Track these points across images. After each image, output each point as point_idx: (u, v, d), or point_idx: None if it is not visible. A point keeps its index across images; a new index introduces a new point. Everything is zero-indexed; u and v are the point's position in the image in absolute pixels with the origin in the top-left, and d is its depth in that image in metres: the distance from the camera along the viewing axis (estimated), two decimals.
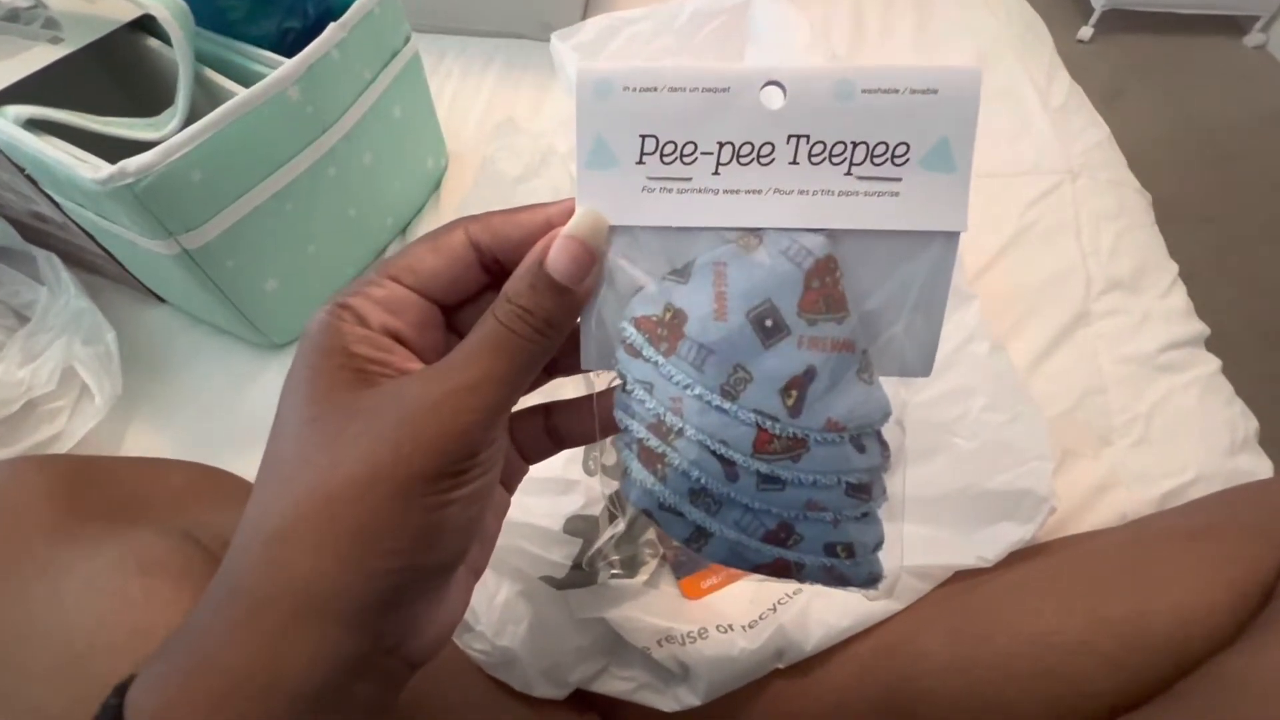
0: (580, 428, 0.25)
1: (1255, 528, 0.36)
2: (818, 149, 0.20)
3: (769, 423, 0.21)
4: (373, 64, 0.48)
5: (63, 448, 0.47)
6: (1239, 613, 0.33)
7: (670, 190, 0.21)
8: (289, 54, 0.43)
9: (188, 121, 0.39)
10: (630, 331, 0.21)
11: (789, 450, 0.21)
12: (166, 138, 0.38)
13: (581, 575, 0.39)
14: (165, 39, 0.44)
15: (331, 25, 0.44)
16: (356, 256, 0.56)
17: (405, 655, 0.20)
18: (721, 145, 0.20)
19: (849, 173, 0.20)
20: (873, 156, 0.20)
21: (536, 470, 0.26)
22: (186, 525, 0.33)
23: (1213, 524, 0.38)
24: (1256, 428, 0.49)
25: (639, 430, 0.22)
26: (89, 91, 0.45)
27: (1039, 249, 0.57)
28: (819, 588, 0.23)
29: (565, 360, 0.23)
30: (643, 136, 0.20)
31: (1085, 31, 1.74)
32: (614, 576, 0.40)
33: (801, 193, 0.20)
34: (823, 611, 0.39)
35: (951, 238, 0.21)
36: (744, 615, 0.39)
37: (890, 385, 0.22)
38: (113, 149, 0.39)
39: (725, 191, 0.21)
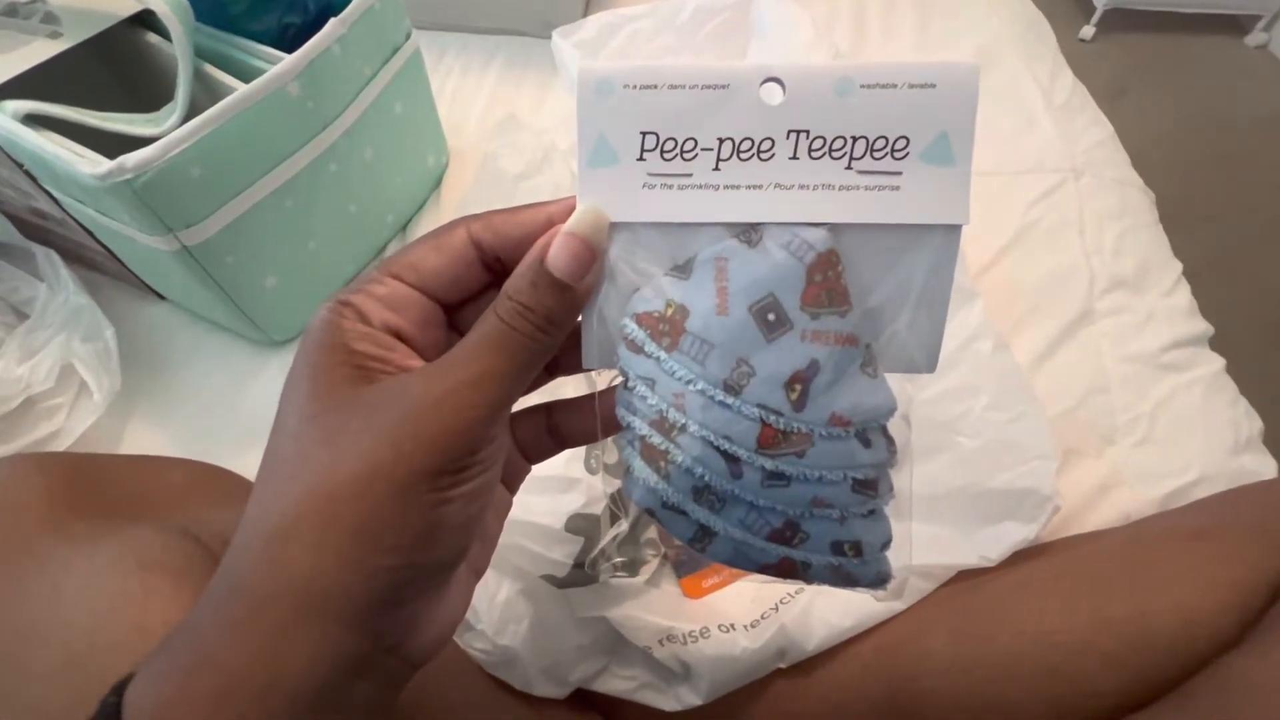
0: (582, 427, 0.25)
1: (1259, 528, 0.36)
2: (817, 144, 0.20)
3: (773, 417, 0.21)
4: (374, 60, 0.48)
5: (61, 445, 0.47)
6: (1244, 613, 0.33)
7: (671, 186, 0.21)
8: (289, 49, 0.43)
9: (187, 117, 0.39)
10: (632, 328, 0.21)
11: (793, 445, 0.21)
12: (166, 133, 0.38)
13: (583, 574, 0.39)
14: (165, 34, 0.44)
15: (332, 21, 0.44)
16: (357, 253, 0.55)
17: (405, 655, 0.20)
18: (722, 141, 0.20)
19: (849, 167, 0.20)
20: (872, 151, 0.20)
21: (538, 468, 0.26)
22: (186, 523, 0.32)
23: (1217, 524, 0.38)
24: (1260, 427, 0.49)
25: (641, 427, 0.22)
26: (88, 87, 0.45)
27: (1042, 247, 0.57)
28: (821, 587, 0.23)
29: (567, 359, 0.23)
30: (643, 133, 0.20)
31: (1087, 30, 1.74)
32: (615, 575, 0.40)
33: (802, 187, 0.20)
34: (825, 611, 0.39)
35: (953, 231, 0.21)
36: (746, 614, 0.39)
37: (896, 380, 0.22)
38: (112, 144, 0.38)
39: (726, 187, 0.21)
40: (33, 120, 0.39)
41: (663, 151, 0.20)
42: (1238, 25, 1.77)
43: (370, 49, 0.48)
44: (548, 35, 0.58)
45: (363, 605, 0.18)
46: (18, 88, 0.40)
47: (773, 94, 0.20)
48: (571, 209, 0.21)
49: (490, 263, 0.22)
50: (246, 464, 0.44)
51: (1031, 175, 0.61)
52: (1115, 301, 0.54)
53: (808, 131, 0.20)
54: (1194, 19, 1.74)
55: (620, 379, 0.22)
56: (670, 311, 0.21)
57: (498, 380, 0.19)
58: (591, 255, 0.20)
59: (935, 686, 0.36)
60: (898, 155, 0.20)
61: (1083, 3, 1.76)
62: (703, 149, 0.20)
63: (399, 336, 0.21)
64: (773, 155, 0.20)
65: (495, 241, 0.21)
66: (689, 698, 0.38)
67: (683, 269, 0.21)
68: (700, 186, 0.21)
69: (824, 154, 0.20)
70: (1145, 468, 0.47)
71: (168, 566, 0.29)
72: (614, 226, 0.21)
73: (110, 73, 0.49)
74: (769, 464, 0.21)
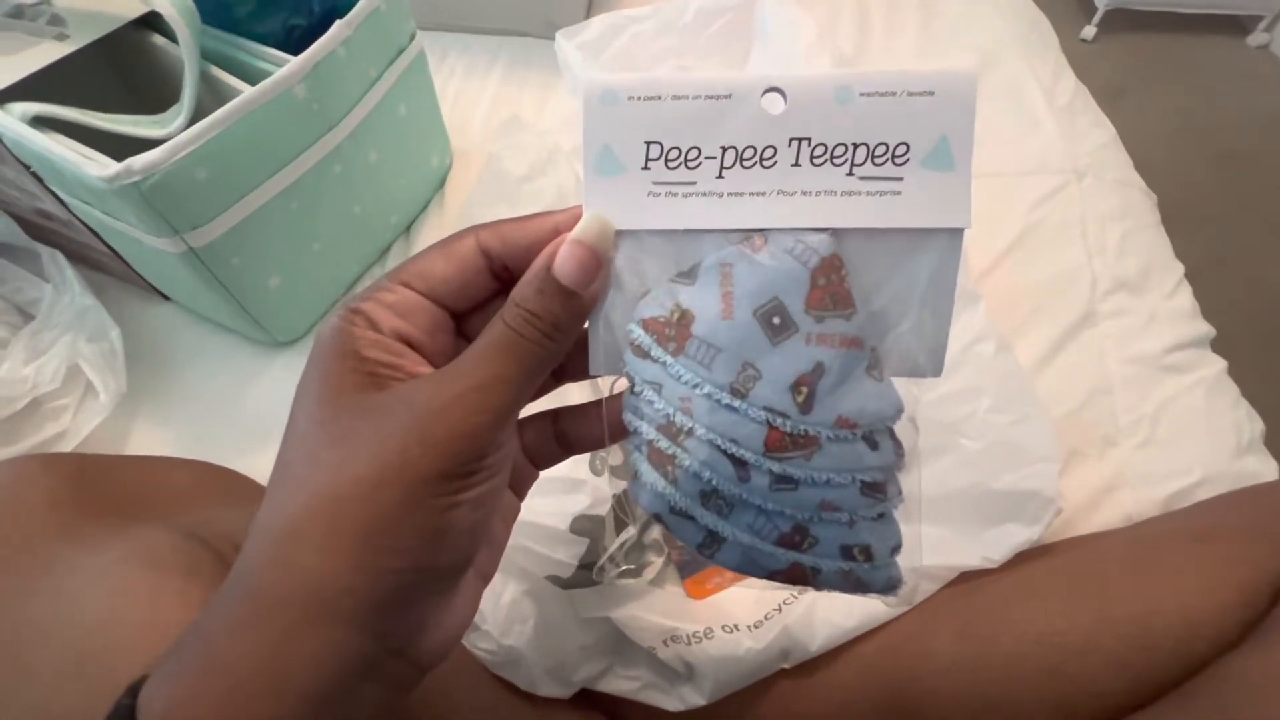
0: (589, 433, 0.25)
1: (1262, 529, 0.36)
2: (819, 151, 0.21)
3: (780, 420, 0.21)
4: (378, 61, 0.48)
5: (67, 445, 0.47)
6: (1246, 614, 0.33)
7: (676, 194, 0.21)
8: (295, 51, 0.43)
9: (193, 119, 0.39)
10: (638, 333, 0.22)
11: (801, 448, 0.21)
12: (172, 135, 0.38)
13: (588, 575, 0.39)
14: (171, 36, 0.44)
15: (337, 22, 0.44)
16: (361, 254, 0.56)
17: (413, 658, 0.20)
18: (725, 150, 0.21)
19: (850, 173, 0.21)
20: (873, 157, 0.20)
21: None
22: (192, 523, 0.33)
23: (1219, 526, 0.38)
24: (1262, 429, 0.49)
25: (648, 431, 0.22)
26: (94, 88, 0.45)
27: (1045, 249, 0.57)
28: None
29: (574, 365, 0.23)
30: (648, 143, 0.21)
31: (1088, 31, 1.74)
32: (620, 575, 0.40)
33: (804, 194, 0.21)
34: (828, 611, 0.39)
35: (956, 234, 0.21)
36: (749, 615, 0.39)
37: (902, 384, 0.22)
38: (117, 146, 0.39)
39: (729, 194, 0.21)
40: (39, 122, 0.39)
41: (667, 160, 0.21)
42: (1239, 25, 1.77)
43: (375, 51, 0.48)
44: (551, 36, 0.58)
45: (370, 608, 0.18)
46: (24, 90, 0.40)
47: (774, 104, 0.20)
48: (578, 217, 0.21)
49: (498, 271, 0.22)
50: (251, 464, 0.44)
51: (1034, 177, 0.61)
52: (1117, 303, 0.54)
53: (809, 139, 0.20)
54: (1195, 19, 1.74)
55: (627, 384, 0.22)
56: (676, 316, 0.21)
57: (505, 386, 0.20)
58: (597, 263, 0.21)
59: (938, 687, 0.36)
60: (898, 161, 0.20)
61: (1084, 3, 1.76)
62: (706, 157, 0.21)
63: (409, 343, 0.21)
64: (775, 163, 0.21)
65: (503, 249, 0.21)
66: (692, 698, 0.38)
67: (688, 275, 0.22)
68: (704, 194, 0.21)
69: (825, 161, 0.21)
70: (1147, 469, 0.47)
71: (174, 566, 0.30)
72: (620, 234, 0.21)
73: (116, 75, 0.49)
74: (776, 467, 0.21)
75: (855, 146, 0.20)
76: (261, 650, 0.18)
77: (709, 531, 0.22)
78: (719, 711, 0.38)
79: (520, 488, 0.25)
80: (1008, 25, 0.73)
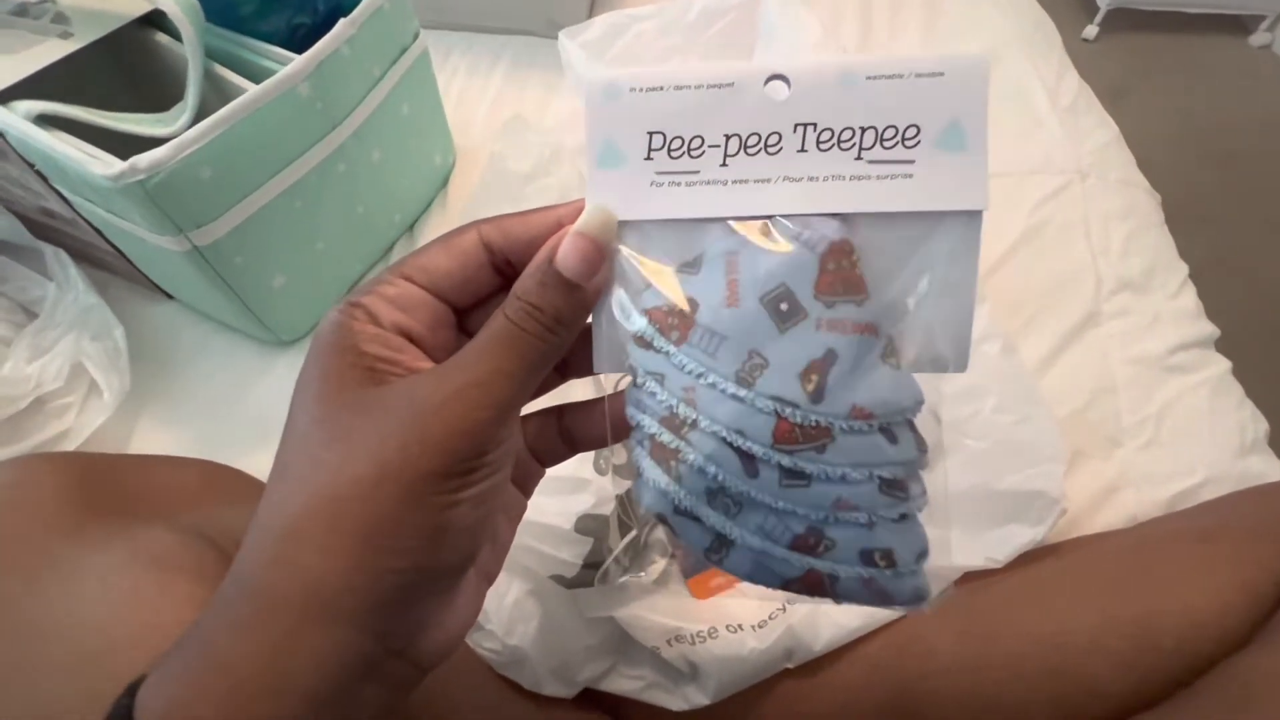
0: (593, 431, 0.25)
1: (1266, 530, 0.36)
2: (825, 135, 0.20)
3: (789, 410, 0.19)
4: (382, 60, 0.48)
5: (71, 444, 0.47)
6: (1251, 614, 0.33)
7: (679, 184, 0.21)
8: (299, 50, 0.43)
9: (197, 118, 0.39)
10: (641, 323, 0.21)
11: (812, 440, 0.20)
12: (176, 134, 0.38)
13: (592, 574, 0.39)
14: (175, 34, 0.44)
15: (342, 21, 0.44)
16: (364, 253, 0.56)
17: (414, 658, 0.20)
18: (728, 138, 0.20)
19: (859, 157, 0.20)
20: (882, 140, 0.20)
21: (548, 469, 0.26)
22: (198, 522, 0.33)
23: (1224, 526, 0.38)
24: (1267, 429, 0.49)
25: (650, 425, 0.21)
26: (98, 87, 0.45)
27: (1049, 249, 0.57)
28: None
29: (578, 360, 0.23)
30: (650, 133, 0.20)
31: (1090, 30, 1.74)
32: (623, 574, 0.40)
33: (811, 179, 0.20)
34: (832, 611, 0.39)
35: (973, 218, 0.20)
36: (753, 615, 0.39)
37: (924, 375, 0.21)
38: (122, 145, 0.39)
39: (734, 182, 0.20)
40: (44, 120, 0.39)
41: (670, 150, 0.20)
42: (1241, 25, 1.76)
43: (379, 49, 0.48)
44: (554, 35, 0.58)
45: (370, 608, 0.18)
46: (29, 88, 0.40)
47: (778, 92, 0.20)
48: (581, 211, 0.21)
49: (501, 266, 0.22)
50: (255, 463, 0.44)
51: (1038, 176, 0.61)
52: (1122, 303, 0.54)
53: (815, 124, 0.20)
54: (1197, 19, 1.73)
55: (630, 380, 0.22)
56: (679, 305, 0.21)
57: (506, 381, 0.19)
58: (600, 255, 0.20)
59: (942, 687, 0.36)
60: (909, 144, 0.20)
61: (1086, 2, 1.75)
62: (710, 146, 0.20)
63: (409, 338, 0.21)
64: (780, 149, 0.20)
65: (506, 243, 0.21)
66: (696, 698, 0.38)
67: (692, 265, 0.21)
68: (708, 182, 0.20)
69: (832, 145, 0.20)
70: (1151, 470, 0.47)
71: (180, 565, 0.29)
72: (623, 226, 0.21)
73: (120, 73, 0.49)
74: (786, 460, 0.20)
75: (863, 130, 0.20)
76: (262, 650, 0.17)
77: (717, 534, 0.21)
78: (723, 711, 0.38)
79: (526, 485, 0.25)
80: (1011, 25, 0.73)
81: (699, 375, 0.20)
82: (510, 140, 0.56)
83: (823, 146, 0.20)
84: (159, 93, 0.46)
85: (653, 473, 0.21)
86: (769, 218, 0.20)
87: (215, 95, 0.44)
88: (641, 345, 0.21)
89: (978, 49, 0.71)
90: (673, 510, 0.21)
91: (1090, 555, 0.40)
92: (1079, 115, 0.66)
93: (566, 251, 0.20)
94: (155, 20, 0.46)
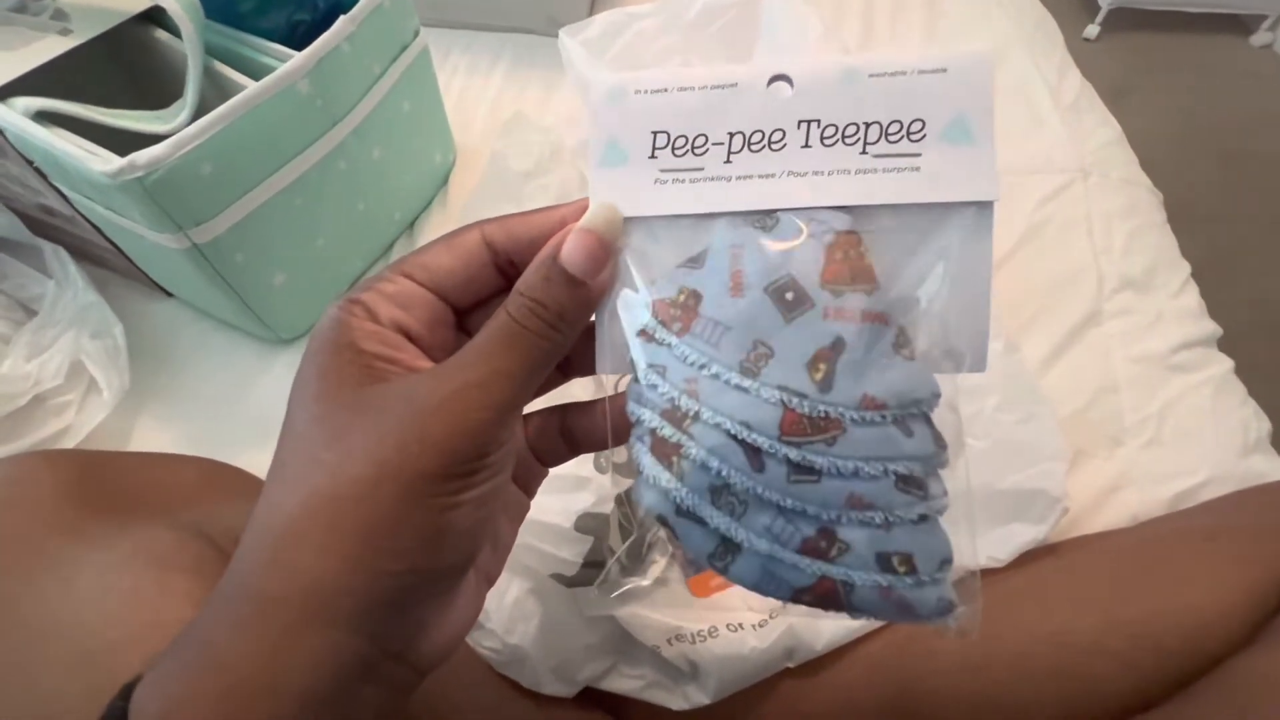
0: (596, 431, 0.24)
1: (1270, 528, 0.36)
2: (829, 131, 0.20)
3: (796, 400, 0.19)
4: (382, 58, 0.48)
5: (70, 441, 0.47)
6: (1255, 614, 0.33)
7: (683, 180, 0.20)
8: (299, 47, 0.43)
9: (197, 114, 0.39)
10: (644, 317, 0.21)
11: (821, 431, 0.19)
12: (175, 131, 0.38)
13: (592, 573, 0.39)
14: (174, 31, 0.44)
15: (342, 18, 0.44)
16: (364, 251, 0.55)
17: (413, 661, 0.20)
18: (732, 135, 0.20)
19: (864, 151, 0.20)
20: (887, 135, 0.20)
21: None
22: (198, 520, 0.33)
23: (1227, 525, 0.38)
24: (1269, 428, 0.49)
25: (651, 419, 0.20)
26: (97, 84, 0.45)
27: (1051, 247, 0.57)
28: None
29: (581, 360, 0.23)
30: (654, 133, 0.20)
31: (1092, 30, 1.74)
32: (624, 576, 0.40)
33: (816, 174, 0.20)
34: None
35: (984, 209, 0.20)
36: (754, 614, 0.39)
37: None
38: (121, 142, 0.38)
39: (738, 178, 0.20)
40: (43, 117, 0.39)
41: (674, 148, 0.20)
42: (1242, 25, 1.76)
43: (379, 47, 0.47)
44: (554, 33, 0.57)
45: (367, 610, 0.18)
46: (27, 85, 0.40)
47: (781, 90, 0.20)
48: (584, 210, 0.21)
49: (503, 265, 0.22)
50: (254, 461, 0.44)
51: (1040, 175, 0.61)
52: (1124, 302, 0.54)
53: (818, 121, 0.20)
54: (1198, 18, 1.73)
55: (631, 379, 0.21)
56: (683, 297, 0.20)
57: (507, 380, 0.19)
58: (606, 251, 0.20)
59: (944, 686, 0.36)
60: (914, 137, 0.19)
61: (1087, 2, 1.75)
62: (713, 144, 0.20)
63: (408, 336, 0.20)
64: (784, 145, 0.20)
65: (508, 243, 0.21)
66: (697, 697, 0.38)
67: (696, 260, 0.21)
68: (712, 179, 0.20)
69: (837, 140, 0.20)
70: (1154, 469, 0.47)
71: (180, 564, 0.29)
72: (628, 224, 0.21)
73: (119, 70, 0.49)
74: (794, 454, 0.19)
75: (867, 125, 0.19)
76: (259, 650, 0.17)
77: (721, 538, 0.20)
78: (723, 711, 0.38)
79: (529, 485, 0.25)
80: (1013, 24, 0.73)
81: (701, 366, 0.20)
82: (511, 138, 0.56)
83: (827, 142, 0.20)
84: (158, 89, 0.46)
85: (653, 469, 0.20)
86: (774, 211, 0.20)
87: (215, 92, 0.43)
88: (644, 339, 0.21)
89: (980, 45, 0.71)
90: (674, 512, 0.20)
91: (1092, 555, 0.40)
92: (1081, 114, 0.66)
93: (572, 247, 0.20)
94: (155, 17, 0.46)
